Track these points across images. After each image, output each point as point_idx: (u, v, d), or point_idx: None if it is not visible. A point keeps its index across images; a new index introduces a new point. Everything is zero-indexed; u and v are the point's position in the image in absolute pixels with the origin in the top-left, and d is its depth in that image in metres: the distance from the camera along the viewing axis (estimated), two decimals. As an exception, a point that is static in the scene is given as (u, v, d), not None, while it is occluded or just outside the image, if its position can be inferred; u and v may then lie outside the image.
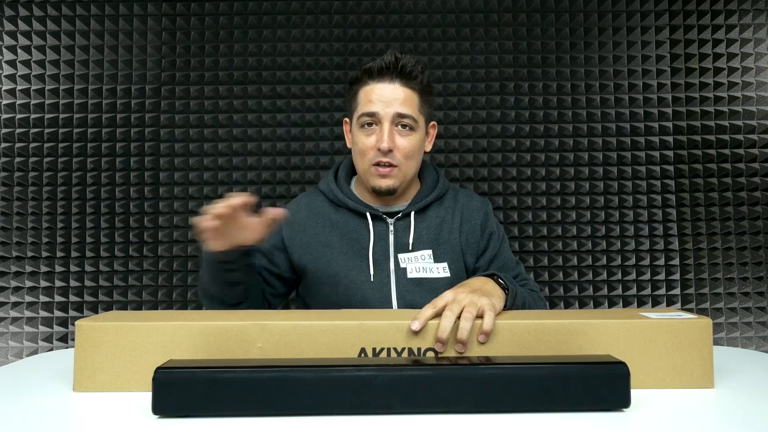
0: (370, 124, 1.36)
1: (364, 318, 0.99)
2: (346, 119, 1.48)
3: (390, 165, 1.36)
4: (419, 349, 0.96)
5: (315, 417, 0.83)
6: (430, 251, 1.43)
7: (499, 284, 1.17)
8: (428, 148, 1.48)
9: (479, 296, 1.03)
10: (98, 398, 0.92)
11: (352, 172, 1.54)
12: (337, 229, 1.44)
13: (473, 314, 0.97)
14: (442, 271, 1.41)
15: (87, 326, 0.96)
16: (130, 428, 0.80)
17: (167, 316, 1.02)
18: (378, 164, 1.36)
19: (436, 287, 1.36)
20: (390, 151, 1.35)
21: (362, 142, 1.37)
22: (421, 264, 1.41)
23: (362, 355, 0.96)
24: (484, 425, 0.80)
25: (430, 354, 0.96)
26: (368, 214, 1.42)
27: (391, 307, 1.37)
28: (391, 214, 1.45)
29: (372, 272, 1.39)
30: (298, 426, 0.80)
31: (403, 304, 1.38)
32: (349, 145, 1.47)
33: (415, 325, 0.95)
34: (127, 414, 0.85)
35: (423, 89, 1.39)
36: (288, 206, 1.51)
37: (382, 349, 0.96)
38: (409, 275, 1.40)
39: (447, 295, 1.03)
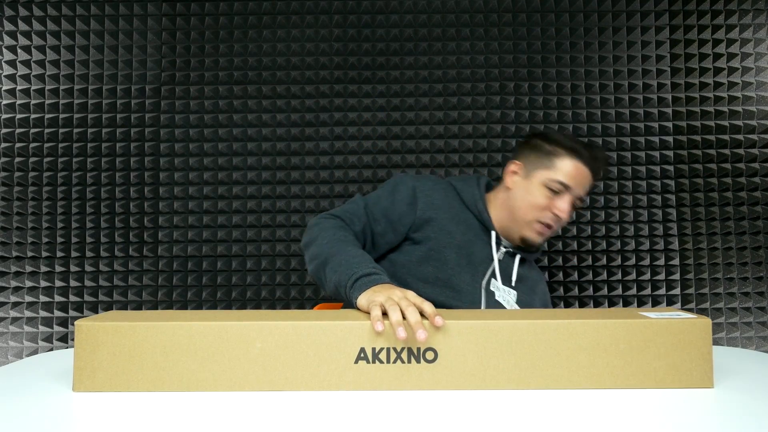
0: (556, 192, 1.53)
1: (364, 318, 0.99)
2: (518, 162, 1.61)
3: (550, 227, 1.55)
4: (418, 349, 0.96)
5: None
6: (515, 293, 1.57)
7: None
8: None
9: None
10: (98, 398, 0.92)
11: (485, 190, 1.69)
12: (462, 225, 1.56)
13: None
14: None
15: (87, 326, 0.96)
16: (129, 428, 0.80)
17: (167, 316, 1.02)
18: (543, 223, 1.54)
19: None
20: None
21: (542, 200, 1.53)
22: (507, 297, 1.55)
23: (362, 354, 0.96)
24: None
25: (430, 354, 0.96)
26: (493, 233, 1.58)
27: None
28: (504, 246, 1.61)
29: (482, 281, 1.52)
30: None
31: None
32: (509, 185, 1.60)
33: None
34: (126, 414, 0.85)
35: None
36: (424, 181, 1.61)
37: (381, 349, 0.96)
38: (497, 298, 1.54)
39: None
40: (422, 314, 1.00)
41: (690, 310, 2.14)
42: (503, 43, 2.21)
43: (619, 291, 2.16)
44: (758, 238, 2.15)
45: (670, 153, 2.17)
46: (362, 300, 1.12)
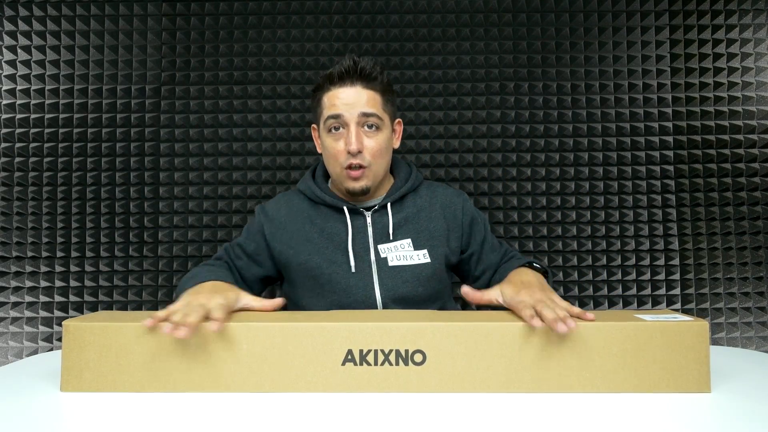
0: (336, 128, 1.40)
1: (351, 319, 0.99)
2: (314, 126, 1.52)
3: (360, 167, 1.40)
4: (407, 351, 0.96)
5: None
6: (409, 240, 1.47)
7: (536, 269, 1.35)
8: (396, 144, 1.55)
9: (549, 294, 1.09)
10: (85, 398, 0.93)
11: (328, 172, 1.59)
12: (316, 225, 1.48)
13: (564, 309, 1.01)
14: (422, 257, 1.45)
15: (74, 326, 0.96)
16: (115, 428, 0.80)
17: None
18: (350, 167, 1.40)
19: (417, 273, 1.43)
20: (359, 152, 1.38)
21: (332, 147, 1.41)
22: (401, 252, 1.45)
23: (349, 356, 0.96)
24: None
25: (418, 356, 0.96)
26: (345, 209, 1.47)
27: (375, 296, 1.41)
28: (368, 209, 1.50)
29: (352, 264, 1.43)
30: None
31: (386, 290, 1.42)
32: (319, 150, 1.51)
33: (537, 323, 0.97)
34: (113, 414, 0.85)
35: (384, 89, 1.44)
36: (268, 206, 1.56)
37: (369, 351, 0.96)
38: (390, 263, 1.44)
39: (527, 300, 1.07)
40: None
41: (690, 310, 2.14)
42: (503, 43, 2.21)
43: (619, 291, 2.16)
44: (758, 238, 2.14)
45: (670, 153, 2.17)
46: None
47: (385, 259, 1.44)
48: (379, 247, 1.45)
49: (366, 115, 1.39)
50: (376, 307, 1.41)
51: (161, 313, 1.01)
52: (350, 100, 1.39)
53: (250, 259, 1.51)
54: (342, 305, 1.41)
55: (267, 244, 1.50)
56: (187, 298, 1.09)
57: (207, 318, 1.00)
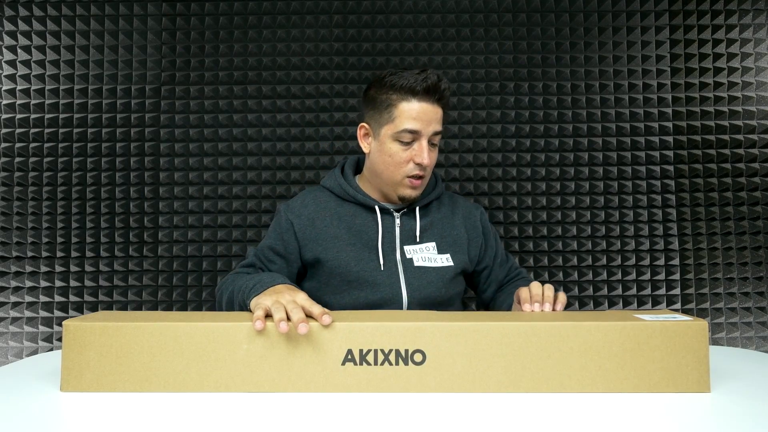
0: (409, 142, 1.45)
1: (351, 319, 0.99)
2: (364, 124, 1.54)
3: (420, 177, 1.48)
4: (406, 351, 0.96)
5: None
6: (434, 243, 1.55)
7: None
8: None
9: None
10: (85, 398, 0.93)
11: (356, 171, 1.65)
12: (344, 222, 1.53)
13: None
14: (446, 261, 1.53)
15: (74, 326, 0.96)
16: (115, 428, 0.80)
17: (154, 317, 1.03)
18: (412, 176, 1.47)
19: (441, 275, 1.51)
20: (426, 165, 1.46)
21: (399, 155, 1.46)
22: (426, 254, 1.52)
23: (349, 356, 0.96)
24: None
25: (418, 356, 0.96)
26: (377, 208, 1.53)
27: (401, 294, 1.47)
28: (397, 210, 1.56)
29: (382, 262, 1.48)
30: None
31: (412, 290, 1.48)
32: (365, 150, 1.55)
33: (537, 307, 1.20)
34: (113, 414, 0.85)
35: (446, 105, 1.51)
36: (293, 203, 1.59)
37: (369, 351, 0.96)
38: (416, 264, 1.50)
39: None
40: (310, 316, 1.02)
41: (690, 310, 2.14)
42: (503, 43, 2.21)
43: (619, 291, 2.16)
44: (758, 238, 2.14)
45: (670, 153, 2.17)
46: (252, 303, 1.12)
47: (411, 259, 1.50)
48: (406, 248, 1.51)
49: (436, 133, 1.47)
50: (401, 306, 1.46)
51: (260, 313, 1.00)
52: (428, 117, 1.44)
53: (283, 259, 1.53)
54: (368, 302, 1.46)
55: (297, 241, 1.52)
56: (273, 296, 1.08)
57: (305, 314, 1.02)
